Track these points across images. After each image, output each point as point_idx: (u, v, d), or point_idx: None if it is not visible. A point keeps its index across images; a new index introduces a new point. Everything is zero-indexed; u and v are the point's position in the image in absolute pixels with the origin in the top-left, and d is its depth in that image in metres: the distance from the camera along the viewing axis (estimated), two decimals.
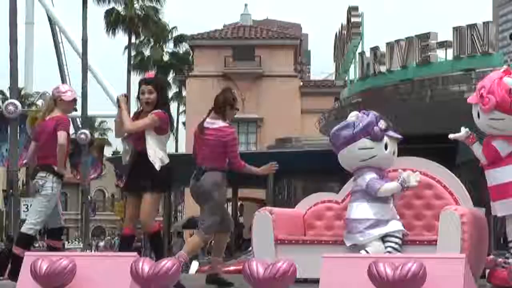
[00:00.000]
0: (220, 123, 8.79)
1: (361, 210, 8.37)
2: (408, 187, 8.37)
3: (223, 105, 8.74)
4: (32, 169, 9.73)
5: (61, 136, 9.13)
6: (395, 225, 8.32)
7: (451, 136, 8.41)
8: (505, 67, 8.27)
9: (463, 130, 8.39)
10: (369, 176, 8.38)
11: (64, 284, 6.52)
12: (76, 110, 10.00)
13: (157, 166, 8.47)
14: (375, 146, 8.48)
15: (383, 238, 8.25)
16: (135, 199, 8.71)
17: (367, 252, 8.08)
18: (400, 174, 8.40)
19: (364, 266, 5.76)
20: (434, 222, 8.38)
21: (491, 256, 8.61)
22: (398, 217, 8.45)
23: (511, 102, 7.98)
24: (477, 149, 8.33)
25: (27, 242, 9.28)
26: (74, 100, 9.70)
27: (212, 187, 8.72)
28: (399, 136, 8.60)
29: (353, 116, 8.65)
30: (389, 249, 8.16)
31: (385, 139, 8.52)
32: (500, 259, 8.42)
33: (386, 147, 8.53)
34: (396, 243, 8.23)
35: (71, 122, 52.32)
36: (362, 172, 8.48)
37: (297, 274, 6.21)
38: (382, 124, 8.51)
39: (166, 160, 8.63)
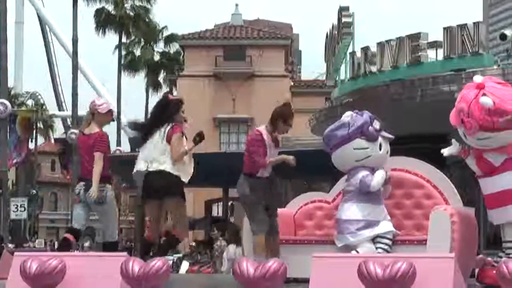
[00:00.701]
0: (256, 130, 8.91)
1: (352, 211, 8.40)
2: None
3: (277, 118, 8.81)
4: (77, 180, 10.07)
5: (96, 156, 9.40)
6: (386, 226, 8.35)
7: (444, 153, 8.37)
8: (476, 79, 8.17)
9: (455, 144, 8.35)
10: (362, 174, 8.42)
11: (53, 284, 6.52)
12: (113, 120, 10.13)
13: None
14: (370, 146, 8.53)
15: (374, 239, 8.28)
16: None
17: (358, 252, 8.10)
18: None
19: (354, 266, 5.78)
20: (424, 222, 8.41)
21: (481, 256, 8.63)
22: (389, 217, 8.48)
23: (493, 121, 7.93)
24: (471, 163, 8.31)
25: (116, 247, 9.65)
26: (110, 111, 9.83)
27: None
28: (392, 136, 8.65)
29: (347, 116, 8.68)
30: (379, 250, 8.19)
31: (379, 139, 8.57)
32: (489, 259, 8.45)
33: (380, 147, 8.57)
34: (386, 244, 8.26)
35: (62, 121, 51.95)
36: (355, 171, 8.51)
37: (288, 273, 6.23)
38: (376, 124, 8.56)
39: None
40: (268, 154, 8.78)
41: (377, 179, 8.41)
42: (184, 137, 9.00)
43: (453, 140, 8.37)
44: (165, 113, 9.07)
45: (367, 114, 8.65)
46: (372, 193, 8.44)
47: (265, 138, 8.78)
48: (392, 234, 8.33)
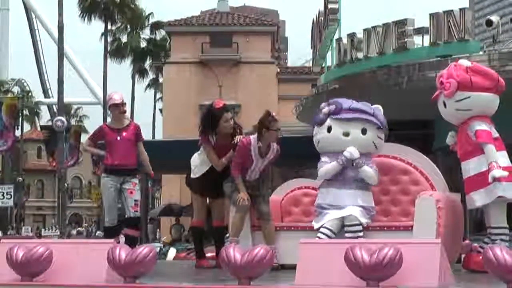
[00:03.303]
0: (247, 138, 9.09)
1: (318, 196, 8.58)
2: (352, 160, 8.43)
3: (259, 128, 8.91)
4: None
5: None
6: (350, 212, 8.35)
7: (447, 141, 8.57)
8: (463, 62, 8.36)
9: (452, 135, 8.52)
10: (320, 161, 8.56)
11: (40, 271, 6.50)
12: (125, 112, 10.52)
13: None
14: (318, 131, 8.65)
15: (344, 227, 8.32)
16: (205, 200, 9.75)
17: (319, 237, 8.18)
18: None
19: (341, 252, 5.79)
20: (410, 208, 8.44)
21: (467, 241, 8.67)
22: (360, 203, 8.46)
23: (471, 79, 8.11)
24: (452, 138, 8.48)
25: (106, 232, 10.29)
26: (112, 105, 10.26)
27: None
28: (347, 116, 8.58)
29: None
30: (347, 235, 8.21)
31: (328, 122, 8.60)
32: (475, 244, 8.49)
33: (329, 130, 8.60)
34: (324, 233, 8.29)
35: (51, 109, 51.63)
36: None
37: (274, 260, 6.23)
38: (325, 107, 8.67)
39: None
40: (255, 163, 8.96)
41: (323, 170, 8.52)
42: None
43: (451, 132, 8.46)
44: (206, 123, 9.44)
45: (324, 103, 8.81)
46: (335, 178, 8.49)
47: (252, 149, 8.93)
48: (359, 222, 8.32)
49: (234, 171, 9.00)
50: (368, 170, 8.45)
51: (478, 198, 8.17)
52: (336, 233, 8.26)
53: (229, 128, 9.32)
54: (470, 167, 8.20)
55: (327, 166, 8.49)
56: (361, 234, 8.19)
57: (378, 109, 8.73)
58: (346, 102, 8.70)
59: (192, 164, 9.60)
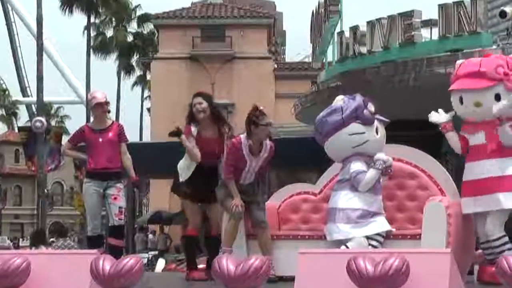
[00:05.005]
0: (236, 137, 9.15)
1: (352, 199, 8.38)
2: (387, 167, 8.42)
3: (247, 125, 8.93)
4: None
5: None
6: (383, 223, 8.35)
7: (430, 118, 8.46)
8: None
9: (442, 114, 8.43)
10: (355, 167, 8.41)
11: (17, 285, 6.49)
12: (109, 111, 10.57)
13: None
14: (367, 130, 8.53)
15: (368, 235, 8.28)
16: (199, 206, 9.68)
17: (347, 247, 8.09)
18: (375, 159, 8.45)
19: (343, 262, 5.79)
20: (418, 215, 8.43)
21: (480, 251, 8.65)
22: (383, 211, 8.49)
23: None
24: (453, 139, 8.41)
25: (89, 242, 10.36)
26: (96, 104, 10.26)
27: None
28: (387, 120, 8.66)
29: (339, 100, 8.67)
30: (371, 247, 8.18)
31: (376, 122, 8.57)
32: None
33: (377, 131, 8.58)
34: (378, 241, 8.27)
35: (30, 109, 51.47)
36: (349, 160, 8.51)
37: (271, 271, 6.23)
38: (371, 107, 8.57)
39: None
40: (249, 164, 8.96)
41: (367, 180, 8.39)
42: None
43: (441, 110, 8.41)
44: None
45: (360, 97, 8.65)
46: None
47: (243, 148, 8.93)
48: (387, 233, 8.34)
49: (226, 175, 8.98)
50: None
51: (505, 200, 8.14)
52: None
53: (199, 112, 9.40)
54: (494, 167, 8.17)
55: (370, 174, 8.39)
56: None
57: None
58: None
59: (179, 168, 9.61)
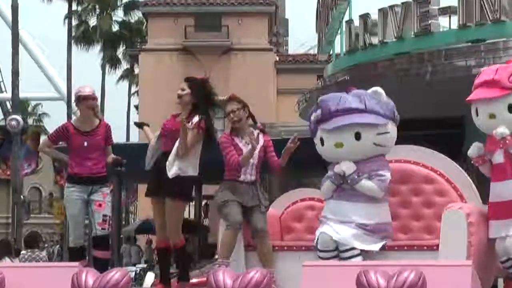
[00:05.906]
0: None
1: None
2: (348, 176, 8.42)
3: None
4: None
5: None
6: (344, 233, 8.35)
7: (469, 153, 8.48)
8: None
9: (476, 146, 8.42)
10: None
11: None
12: (96, 108, 10.41)
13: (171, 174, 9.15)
14: (315, 143, 8.75)
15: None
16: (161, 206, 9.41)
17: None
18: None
19: (352, 276, 5.80)
20: (436, 223, 8.44)
21: None
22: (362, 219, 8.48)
23: None
24: (486, 172, 8.40)
25: (71, 254, 10.32)
26: (83, 99, 10.15)
27: None
28: (335, 125, 8.49)
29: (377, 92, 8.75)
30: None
31: (319, 133, 8.60)
32: None
33: (322, 142, 8.61)
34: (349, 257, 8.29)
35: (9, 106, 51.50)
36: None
37: (273, 286, 6.24)
38: (313, 115, 8.63)
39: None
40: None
41: (322, 190, 8.59)
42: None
43: (476, 143, 8.37)
44: None
45: (314, 106, 8.80)
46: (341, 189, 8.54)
47: (234, 138, 9.12)
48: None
49: (233, 158, 9.00)
50: (366, 184, 8.33)
51: None
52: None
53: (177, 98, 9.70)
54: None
55: (323, 186, 8.52)
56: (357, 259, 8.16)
57: (376, 95, 8.58)
58: (333, 101, 8.52)
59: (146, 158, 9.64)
